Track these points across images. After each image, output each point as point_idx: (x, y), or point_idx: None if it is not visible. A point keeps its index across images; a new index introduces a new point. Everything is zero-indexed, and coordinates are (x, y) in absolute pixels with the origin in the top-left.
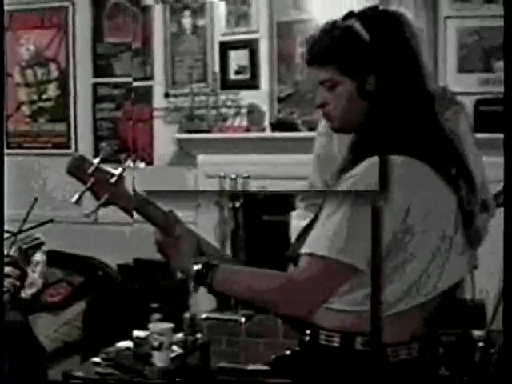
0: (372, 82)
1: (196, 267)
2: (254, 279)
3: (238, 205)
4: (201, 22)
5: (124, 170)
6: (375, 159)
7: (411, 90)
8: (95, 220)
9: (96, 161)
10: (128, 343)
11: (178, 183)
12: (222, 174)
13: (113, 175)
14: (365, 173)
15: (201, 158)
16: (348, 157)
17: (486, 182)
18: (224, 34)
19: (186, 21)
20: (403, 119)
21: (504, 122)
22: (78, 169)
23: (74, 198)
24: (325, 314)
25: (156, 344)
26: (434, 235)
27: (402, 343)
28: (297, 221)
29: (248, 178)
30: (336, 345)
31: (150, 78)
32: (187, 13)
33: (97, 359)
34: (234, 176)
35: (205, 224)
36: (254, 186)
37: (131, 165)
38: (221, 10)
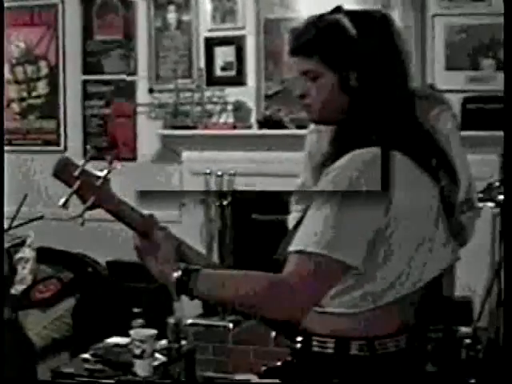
0: (355, 76)
1: (176, 274)
2: (239, 282)
3: (225, 203)
4: (186, 18)
5: (109, 171)
6: (357, 152)
7: (393, 87)
8: (83, 222)
9: (82, 163)
10: (117, 339)
11: (161, 180)
12: (208, 171)
13: (98, 178)
14: (345, 165)
15: (186, 154)
16: (329, 151)
17: (473, 181)
18: (209, 30)
19: (171, 16)
20: (383, 114)
21: (504, 121)
22: (63, 172)
23: (61, 202)
24: (317, 319)
25: (138, 352)
26: (417, 226)
27: (389, 335)
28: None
29: (234, 175)
30: (330, 351)
31: (134, 73)
32: (172, 8)
33: (86, 355)
34: (219, 173)
35: (190, 224)
36: (240, 183)
37: (118, 167)
38: (206, 5)
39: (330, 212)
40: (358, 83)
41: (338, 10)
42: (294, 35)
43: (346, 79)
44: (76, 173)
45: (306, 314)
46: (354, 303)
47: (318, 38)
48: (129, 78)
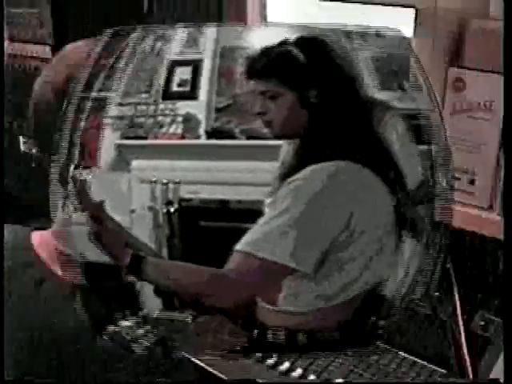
0: (313, 93)
1: (127, 257)
2: (182, 273)
3: (172, 210)
4: (158, 44)
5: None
6: (321, 165)
7: (350, 100)
8: None
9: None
10: None
11: (111, 187)
12: (154, 179)
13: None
14: (309, 177)
15: (135, 163)
16: (292, 163)
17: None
18: (175, 54)
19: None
20: (343, 127)
21: (504, 122)
22: None
23: None
24: (272, 316)
25: None
26: (375, 239)
27: (329, 329)
28: None
29: (179, 183)
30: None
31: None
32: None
33: None
34: (165, 181)
35: (140, 229)
36: (186, 191)
37: (89, 177)
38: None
39: (289, 220)
40: (317, 98)
41: (285, 43)
42: (251, 60)
43: (304, 96)
44: None
45: (247, 303)
46: (306, 303)
47: (275, 63)
48: (104, 95)
